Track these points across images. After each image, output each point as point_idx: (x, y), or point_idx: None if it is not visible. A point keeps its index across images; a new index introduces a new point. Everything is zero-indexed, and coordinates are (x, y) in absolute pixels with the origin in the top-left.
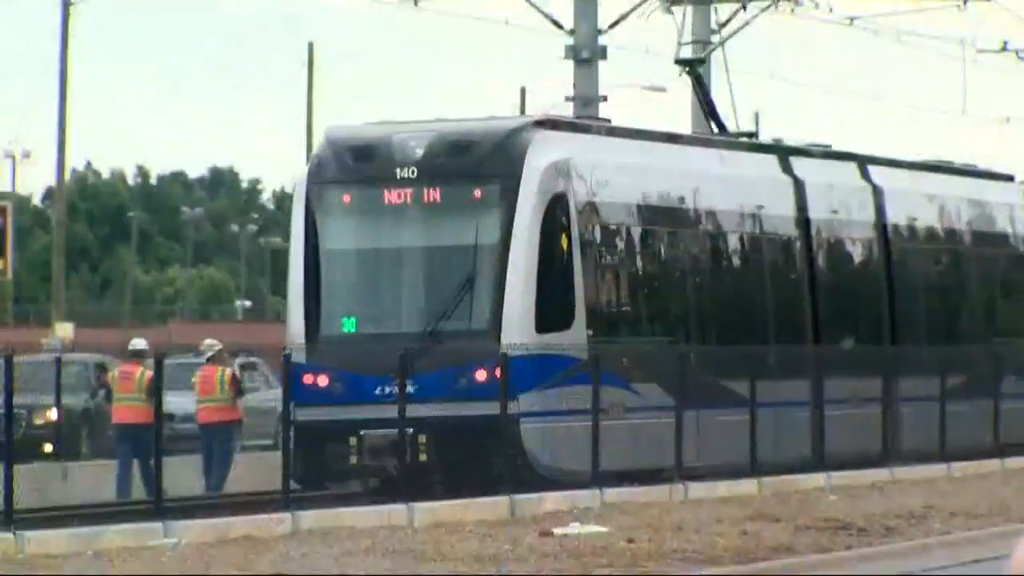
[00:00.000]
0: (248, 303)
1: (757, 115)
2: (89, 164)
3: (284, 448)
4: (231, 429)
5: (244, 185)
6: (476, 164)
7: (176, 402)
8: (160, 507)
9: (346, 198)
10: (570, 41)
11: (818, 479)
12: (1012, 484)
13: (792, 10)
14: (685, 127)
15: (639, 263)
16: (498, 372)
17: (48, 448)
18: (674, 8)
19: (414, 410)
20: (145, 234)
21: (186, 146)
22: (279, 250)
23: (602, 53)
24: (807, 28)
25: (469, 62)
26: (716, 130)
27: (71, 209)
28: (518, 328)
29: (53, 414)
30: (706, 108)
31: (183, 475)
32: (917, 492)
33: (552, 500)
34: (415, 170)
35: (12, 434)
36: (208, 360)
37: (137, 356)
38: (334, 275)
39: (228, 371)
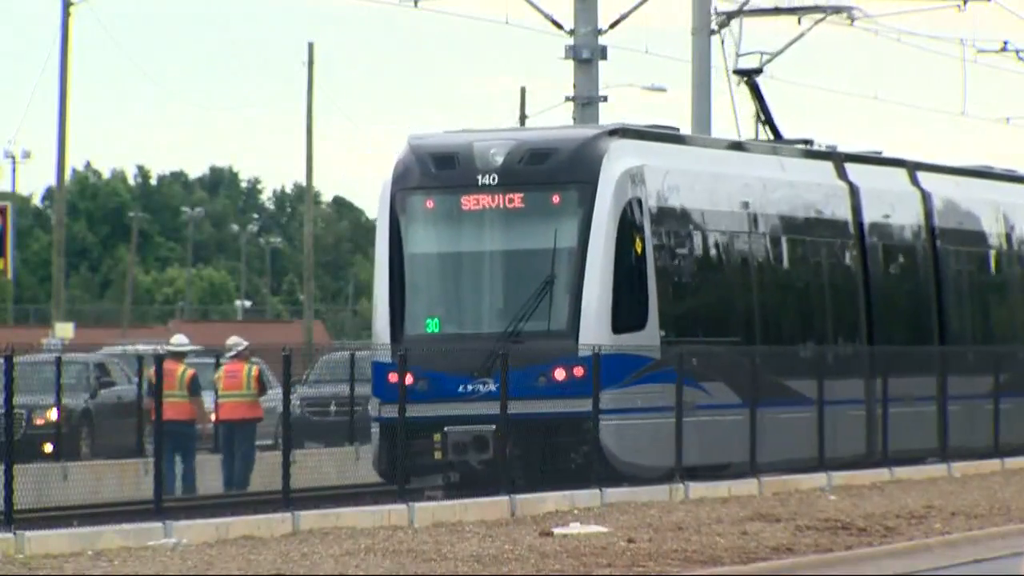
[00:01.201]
0: (248, 303)
1: (757, 115)
2: (89, 164)
3: (285, 448)
4: (254, 426)
5: (244, 185)
6: (555, 171)
7: None
8: (160, 507)
9: (429, 203)
10: (570, 41)
11: (818, 479)
12: (1012, 484)
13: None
14: (685, 130)
15: (706, 266)
16: (577, 371)
17: (48, 448)
18: (730, 20)
19: (496, 408)
20: (145, 234)
21: (186, 146)
22: (279, 250)
23: (602, 53)
24: (806, 28)
25: (469, 62)
26: (772, 137)
27: (71, 209)
28: (596, 329)
29: (53, 414)
30: (763, 116)
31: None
32: (917, 492)
33: (552, 500)
34: (496, 176)
35: (12, 434)
36: (233, 357)
37: (177, 356)
38: (418, 278)
39: (255, 368)
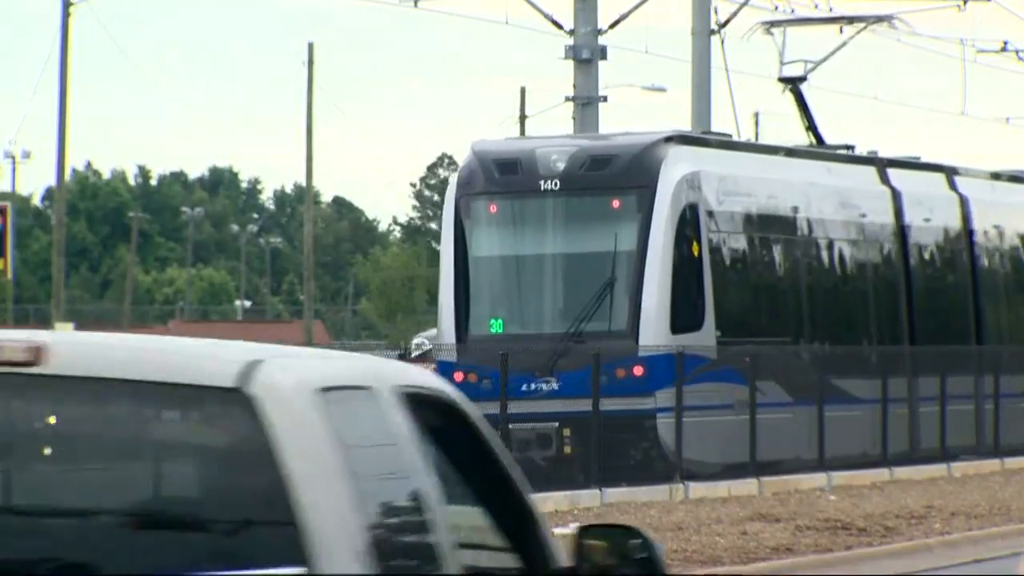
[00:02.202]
0: (248, 303)
1: (757, 115)
2: (89, 164)
3: None
4: None
5: (244, 185)
6: (614, 176)
7: None
8: None
9: (493, 208)
10: (570, 41)
11: (818, 479)
12: (1012, 484)
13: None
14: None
15: (759, 268)
16: (636, 370)
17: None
18: (773, 29)
19: (558, 405)
20: (145, 234)
21: (186, 146)
22: (279, 250)
23: (602, 53)
24: (806, 28)
25: (469, 62)
26: (815, 143)
27: (71, 209)
28: (655, 329)
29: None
30: (807, 122)
31: None
32: (917, 492)
33: (552, 500)
34: (558, 182)
35: None
36: None
37: None
38: (482, 280)
39: None
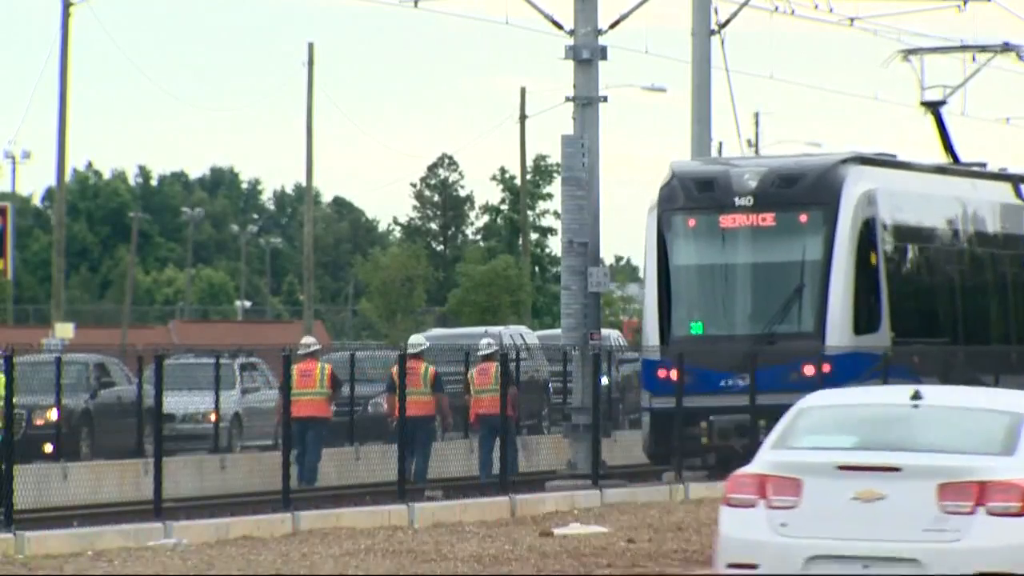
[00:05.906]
0: (248, 303)
1: (757, 115)
2: (90, 164)
3: (284, 447)
4: (326, 423)
5: (244, 185)
6: (801, 193)
7: (176, 402)
8: (160, 507)
9: (692, 222)
10: (570, 41)
11: None
12: None
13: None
14: (685, 130)
15: (923, 275)
16: (825, 367)
17: (48, 448)
18: (911, 57)
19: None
20: (145, 234)
21: (186, 146)
22: (279, 250)
23: (602, 53)
24: (807, 28)
25: (469, 62)
26: (952, 161)
27: (71, 209)
28: (840, 331)
29: (53, 414)
30: (945, 142)
31: (182, 475)
32: None
33: (552, 500)
34: (751, 199)
35: (12, 434)
36: (307, 356)
37: (418, 355)
38: (682, 286)
39: (328, 367)
